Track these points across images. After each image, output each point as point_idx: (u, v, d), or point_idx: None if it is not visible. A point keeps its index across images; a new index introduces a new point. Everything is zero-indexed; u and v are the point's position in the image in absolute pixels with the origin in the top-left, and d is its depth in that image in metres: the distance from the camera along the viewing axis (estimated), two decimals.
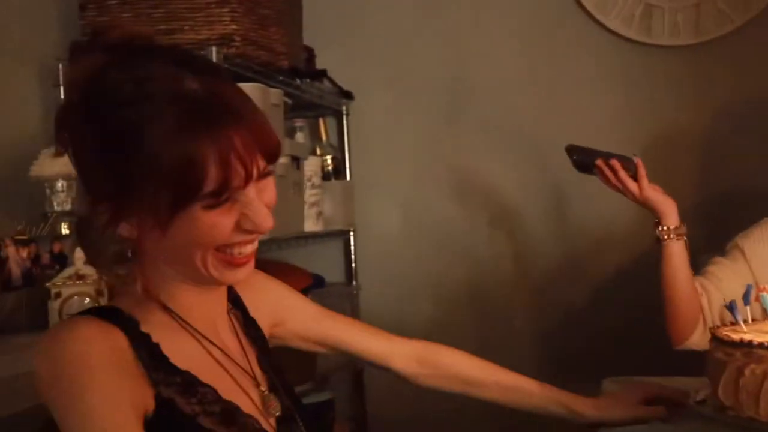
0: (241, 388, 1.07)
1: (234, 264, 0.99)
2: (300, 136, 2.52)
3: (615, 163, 1.83)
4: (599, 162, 1.86)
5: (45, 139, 2.09)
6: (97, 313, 0.99)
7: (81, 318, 0.98)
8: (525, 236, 2.68)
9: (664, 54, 2.58)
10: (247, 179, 0.93)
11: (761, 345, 1.11)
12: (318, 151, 2.62)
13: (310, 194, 2.33)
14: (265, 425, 1.05)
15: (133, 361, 0.95)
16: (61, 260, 1.90)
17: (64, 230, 1.93)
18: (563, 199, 2.66)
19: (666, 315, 1.79)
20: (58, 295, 1.80)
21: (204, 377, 1.01)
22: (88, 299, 1.80)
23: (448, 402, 2.62)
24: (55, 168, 1.94)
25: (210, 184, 0.91)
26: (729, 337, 1.17)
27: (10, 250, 1.84)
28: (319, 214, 2.39)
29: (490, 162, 2.69)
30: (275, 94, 2.05)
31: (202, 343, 1.05)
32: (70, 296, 1.80)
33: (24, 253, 1.86)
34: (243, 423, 1.02)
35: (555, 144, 2.61)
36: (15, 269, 1.84)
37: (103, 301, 1.80)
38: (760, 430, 1.12)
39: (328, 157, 2.63)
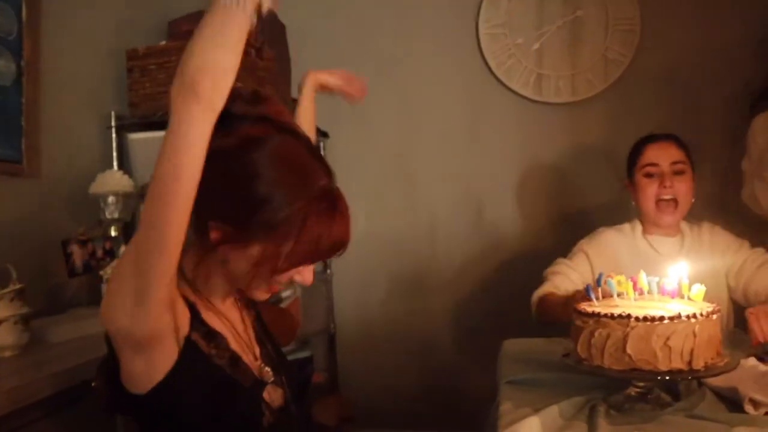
0: (250, 350, 1.06)
1: (269, 292, 1.02)
2: None
3: None
4: None
5: (100, 166, 2.09)
6: None
7: None
8: (453, 237, 2.70)
9: (551, 108, 2.62)
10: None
11: (605, 315, 1.14)
12: None
13: None
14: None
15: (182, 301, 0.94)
16: (111, 254, 1.89)
17: (113, 232, 1.92)
18: (481, 211, 2.70)
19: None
20: (107, 279, 1.80)
21: (229, 338, 1.00)
22: None
23: (406, 355, 2.69)
24: (107, 187, 1.94)
25: (311, 260, 0.98)
26: (585, 309, 1.20)
27: (75, 248, 1.83)
28: None
29: (429, 185, 2.71)
30: None
31: (224, 323, 1.03)
32: None
33: (85, 250, 1.85)
34: (244, 369, 1.00)
35: (475, 173, 2.68)
36: (78, 261, 1.84)
37: None
38: (603, 374, 1.15)
39: None
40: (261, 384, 1.03)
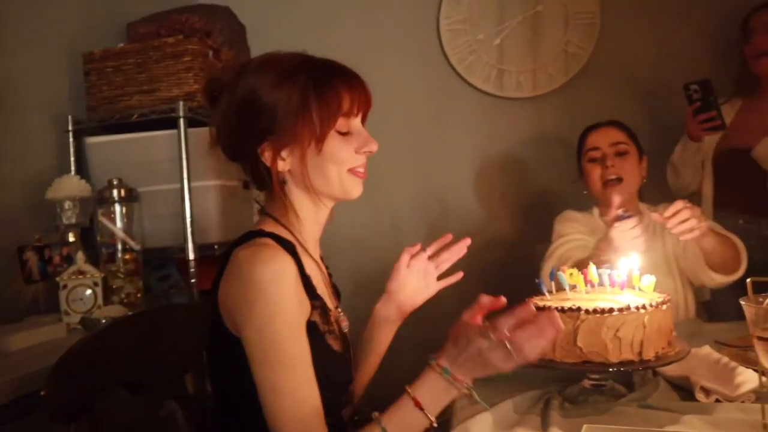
0: (331, 304, 1.16)
1: (358, 176, 1.09)
2: None
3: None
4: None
5: (57, 170, 2.03)
6: (271, 239, 1.02)
7: (272, 244, 1.00)
8: (417, 232, 2.68)
9: (512, 103, 2.61)
10: (358, 111, 1.08)
11: (557, 309, 1.13)
12: None
13: (256, 217, 2.29)
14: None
15: (301, 284, 1.01)
16: (68, 260, 1.84)
17: (71, 238, 1.87)
18: (444, 206, 2.68)
19: None
20: (65, 286, 1.75)
21: (325, 298, 1.10)
22: (89, 291, 1.76)
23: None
24: (64, 192, 1.88)
25: (345, 106, 1.05)
26: (536, 304, 1.18)
27: (31, 254, 1.78)
28: None
29: (392, 182, 2.67)
30: None
31: (318, 267, 1.15)
32: (74, 287, 1.75)
33: (41, 256, 1.80)
34: (342, 338, 1.13)
35: (438, 169, 2.66)
36: (34, 268, 1.78)
37: (99, 292, 1.76)
38: (556, 367, 1.14)
39: None
40: (348, 347, 1.16)
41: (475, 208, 2.67)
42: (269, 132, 1.04)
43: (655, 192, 1.95)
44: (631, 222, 1.48)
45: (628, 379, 1.24)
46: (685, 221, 1.46)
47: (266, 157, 1.05)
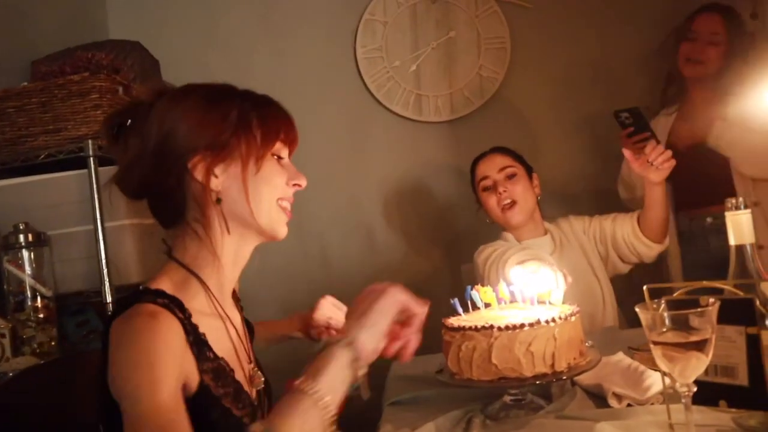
0: (241, 362, 1.05)
1: (285, 213, 1.05)
2: None
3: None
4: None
5: None
6: (157, 300, 0.93)
7: (151, 312, 0.90)
8: (345, 261, 2.68)
9: (433, 127, 2.67)
10: (291, 143, 1.07)
11: (470, 328, 1.16)
12: None
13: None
14: (251, 396, 1.04)
15: (188, 350, 0.92)
16: None
17: None
18: (371, 234, 2.70)
19: None
20: None
21: (226, 357, 1.00)
22: None
23: None
24: None
25: (282, 132, 1.04)
26: (452, 324, 1.21)
27: None
28: None
29: (317, 211, 2.66)
30: None
31: (226, 325, 1.04)
32: None
33: None
34: (244, 399, 1.01)
35: (362, 197, 2.68)
36: None
37: (7, 343, 1.68)
38: (474, 386, 1.16)
39: None
40: (261, 404, 1.07)
41: (398, 231, 2.70)
42: (201, 147, 0.98)
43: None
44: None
45: (547, 391, 1.27)
46: (663, 154, 1.75)
47: (199, 171, 0.98)
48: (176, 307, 0.94)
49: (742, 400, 1.00)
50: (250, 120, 1.01)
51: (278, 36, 2.69)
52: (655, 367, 1.26)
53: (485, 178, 1.99)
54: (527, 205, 1.95)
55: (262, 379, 1.10)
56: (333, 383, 0.85)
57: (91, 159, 1.82)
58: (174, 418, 0.84)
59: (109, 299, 1.83)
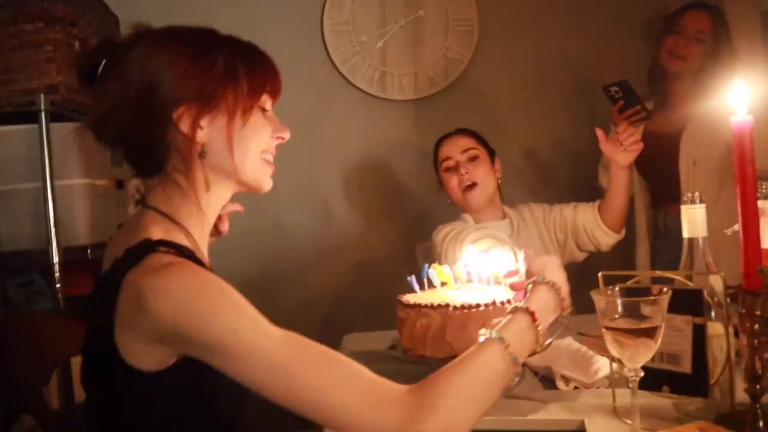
0: None
1: (268, 165, 1.02)
2: (125, 165, 2.35)
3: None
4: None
5: None
6: (174, 251, 0.88)
7: (174, 260, 0.85)
8: (299, 234, 2.66)
9: (395, 105, 2.65)
10: (276, 94, 1.03)
11: (426, 306, 1.16)
12: None
13: (132, 208, 2.17)
14: None
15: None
16: None
17: None
18: (327, 207, 2.69)
19: None
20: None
21: None
22: None
23: None
24: None
25: (269, 83, 1.00)
26: (408, 301, 1.21)
27: None
28: None
29: (275, 175, 2.63)
30: None
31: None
32: None
33: None
34: None
35: (319, 169, 2.66)
36: None
37: None
38: (427, 363, 1.16)
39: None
40: None
41: (356, 207, 2.69)
42: (186, 98, 0.93)
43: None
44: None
45: None
46: (633, 136, 1.82)
47: (184, 122, 0.93)
48: (186, 255, 0.89)
49: (683, 386, 1.04)
50: (237, 70, 0.96)
51: (244, 1, 2.62)
52: (602, 353, 1.30)
53: (448, 158, 2.00)
54: (488, 187, 1.97)
55: None
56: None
57: (43, 114, 1.75)
58: (303, 340, 0.82)
59: (56, 260, 1.77)
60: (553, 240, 2.00)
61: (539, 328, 0.94)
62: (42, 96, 1.75)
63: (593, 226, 1.95)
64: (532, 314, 0.94)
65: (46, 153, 1.75)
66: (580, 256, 2.02)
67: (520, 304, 0.96)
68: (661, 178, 2.07)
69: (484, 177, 1.96)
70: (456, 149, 1.99)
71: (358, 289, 2.65)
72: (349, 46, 2.61)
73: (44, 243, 1.78)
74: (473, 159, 1.98)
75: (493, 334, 0.89)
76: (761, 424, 0.95)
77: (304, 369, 0.80)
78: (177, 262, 0.85)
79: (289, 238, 2.67)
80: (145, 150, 0.95)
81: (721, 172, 1.95)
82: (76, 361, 1.55)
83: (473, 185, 1.95)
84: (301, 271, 2.65)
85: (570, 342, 1.38)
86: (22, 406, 1.25)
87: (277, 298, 2.58)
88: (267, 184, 1.04)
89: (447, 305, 1.13)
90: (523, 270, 1.10)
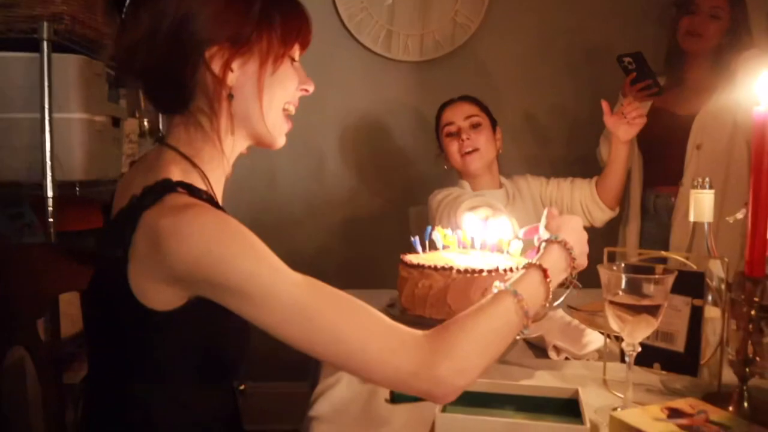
0: None
1: (287, 121, 1.02)
2: (123, 103, 2.31)
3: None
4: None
5: None
6: (194, 193, 0.87)
7: (191, 199, 0.85)
8: (292, 186, 2.65)
9: (398, 66, 2.62)
10: (304, 48, 1.01)
11: (429, 267, 1.17)
12: (137, 114, 2.42)
13: (127, 147, 2.15)
14: None
15: None
16: None
17: None
18: (321, 162, 2.67)
19: None
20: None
21: None
22: None
23: None
24: None
25: (302, 33, 0.98)
26: (410, 261, 1.22)
27: None
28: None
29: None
30: (98, 66, 1.85)
31: None
32: None
33: None
34: None
35: (319, 119, 2.63)
36: None
37: None
38: (425, 323, 1.17)
39: (145, 120, 2.43)
40: None
41: (350, 165, 2.68)
42: (220, 38, 0.90)
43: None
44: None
45: None
46: (637, 109, 1.83)
47: (216, 63, 0.91)
48: (210, 200, 0.88)
49: (674, 364, 1.07)
50: (273, 16, 0.94)
51: None
52: (593, 327, 1.32)
53: (450, 124, 2.00)
54: (487, 155, 1.98)
55: None
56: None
57: (45, 43, 1.69)
58: (321, 285, 0.83)
59: (50, 194, 1.74)
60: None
61: (550, 284, 0.96)
62: (45, 24, 1.69)
63: (590, 201, 1.97)
64: (544, 271, 0.95)
65: (46, 83, 1.70)
66: None
67: (534, 260, 0.98)
68: (661, 158, 2.07)
69: (485, 144, 1.97)
70: (459, 115, 1.99)
71: (344, 246, 2.67)
72: (358, 2, 2.57)
73: (38, 175, 1.74)
74: (475, 126, 1.98)
75: (508, 287, 0.91)
76: (746, 404, 0.98)
77: (322, 312, 0.80)
78: (197, 203, 0.84)
79: (280, 189, 2.66)
80: (173, 86, 0.92)
81: (727, 161, 1.97)
82: (63, 297, 1.55)
83: (474, 151, 1.96)
84: (290, 223, 2.65)
85: (562, 314, 1.41)
86: (15, 339, 1.24)
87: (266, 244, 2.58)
88: (281, 140, 1.03)
89: (451, 268, 1.13)
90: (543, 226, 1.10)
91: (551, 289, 0.96)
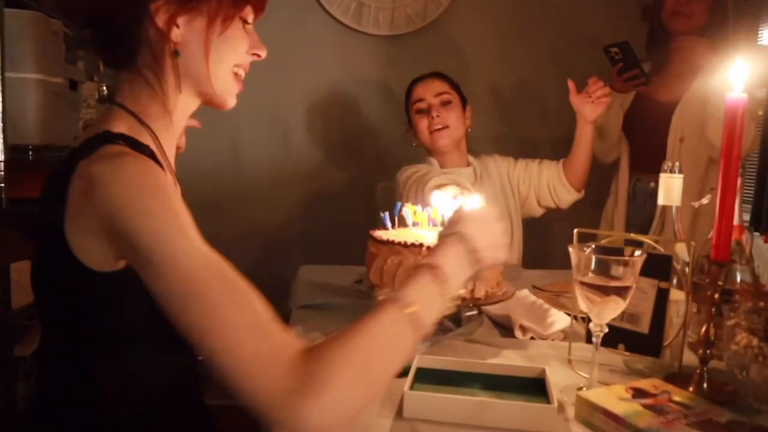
0: None
1: (237, 84, 0.98)
2: (81, 65, 2.22)
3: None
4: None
5: None
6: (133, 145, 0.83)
7: (130, 152, 0.81)
8: (258, 161, 2.61)
9: (367, 39, 2.58)
10: (259, 13, 0.99)
11: (399, 243, 1.16)
12: (95, 78, 2.33)
13: (85, 112, 2.07)
14: None
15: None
16: None
17: None
18: (287, 136, 2.63)
19: None
20: None
21: None
22: None
23: None
24: None
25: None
26: (380, 237, 1.20)
27: None
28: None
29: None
30: (55, 24, 1.77)
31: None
32: None
33: None
34: None
35: (285, 91, 2.58)
36: None
37: None
38: None
39: (104, 85, 2.34)
40: None
41: (317, 139, 2.65)
42: None
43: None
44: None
45: (457, 316, 1.30)
46: (603, 89, 1.84)
47: (161, 17, 0.88)
48: (145, 153, 0.85)
49: (638, 345, 1.08)
50: None
51: None
52: (557, 307, 1.34)
53: (420, 100, 1.98)
54: (457, 132, 1.97)
55: None
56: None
57: None
58: (222, 269, 0.75)
59: (1, 157, 1.67)
60: (515, 192, 2.02)
61: (449, 283, 0.85)
62: None
63: (557, 182, 1.98)
64: (434, 269, 0.85)
65: None
66: (538, 211, 2.05)
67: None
68: (644, 145, 2.09)
69: (455, 122, 1.97)
70: (430, 92, 1.98)
71: (309, 220, 2.64)
72: None
73: None
74: (446, 104, 1.97)
75: (391, 294, 0.81)
76: (706, 385, 1.00)
77: (207, 295, 0.72)
78: (131, 153, 0.81)
79: (244, 161, 2.61)
80: (117, 36, 0.90)
81: (709, 153, 1.97)
82: (15, 266, 1.50)
83: (443, 128, 1.95)
84: (252, 196, 2.61)
85: (526, 294, 1.42)
86: None
87: (224, 221, 2.54)
88: (231, 101, 1.00)
89: (421, 245, 1.13)
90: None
91: (454, 288, 0.86)
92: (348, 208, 2.58)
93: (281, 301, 1.74)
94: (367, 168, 2.62)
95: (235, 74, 0.97)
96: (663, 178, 1.10)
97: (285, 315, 1.43)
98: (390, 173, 2.09)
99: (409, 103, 2.04)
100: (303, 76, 2.59)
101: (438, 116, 1.95)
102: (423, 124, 1.97)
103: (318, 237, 2.62)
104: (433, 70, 2.07)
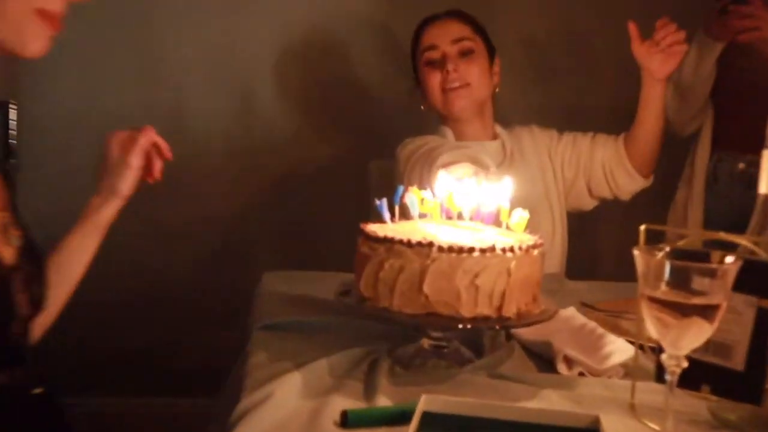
0: None
1: (46, 23, 1.01)
2: None
3: None
4: None
5: None
6: None
7: None
8: (207, 122, 2.63)
9: None
10: None
11: (401, 242, 1.14)
12: None
13: None
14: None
15: None
16: None
17: None
18: (247, 100, 2.64)
19: None
20: None
21: None
22: None
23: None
24: None
25: None
26: (375, 233, 1.18)
27: None
28: None
29: (176, 56, 2.57)
30: None
31: None
32: None
33: None
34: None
35: (245, 38, 2.58)
36: None
37: None
38: (391, 318, 1.16)
39: None
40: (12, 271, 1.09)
41: (290, 103, 2.66)
42: None
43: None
44: None
45: (477, 342, 1.29)
46: (675, 34, 1.80)
47: None
48: None
49: (730, 388, 1.06)
50: None
51: None
52: (616, 332, 1.32)
53: (432, 48, 1.97)
54: (480, 92, 1.97)
55: (19, 233, 1.13)
56: None
57: None
58: None
59: None
60: (558, 177, 2.03)
61: None
62: None
63: (615, 163, 1.97)
64: None
65: None
66: (590, 203, 2.05)
67: None
68: (737, 115, 2.06)
69: (478, 79, 1.96)
70: (445, 37, 1.97)
71: (277, 213, 2.65)
72: None
73: None
74: (466, 54, 1.96)
75: None
76: None
77: None
78: None
79: (191, 131, 2.61)
80: None
81: None
82: None
83: (462, 86, 1.94)
84: (202, 176, 2.61)
85: (572, 314, 1.40)
86: None
87: (161, 211, 2.53)
88: (32, 45, 1.03)
89: (430, 244, 1.11)
90: None
91: None
92: (331, 195, 2.59)
93: (236, 319, 1.74)
94: (357, 141, 2.63)
95: (43, 13, 1.00)
96: (766, 155, 1.08)
97: (241, 338, 1.42)
98: (388, 148, 2.09)
99: (416, 52, 2.03)
100: (269, 18, 2.60)
101: (455, 70, 1.93)
102: (435, 80, 1.96)
103: (289, 233, 2.62)
104: (449, 9, 2.05)
